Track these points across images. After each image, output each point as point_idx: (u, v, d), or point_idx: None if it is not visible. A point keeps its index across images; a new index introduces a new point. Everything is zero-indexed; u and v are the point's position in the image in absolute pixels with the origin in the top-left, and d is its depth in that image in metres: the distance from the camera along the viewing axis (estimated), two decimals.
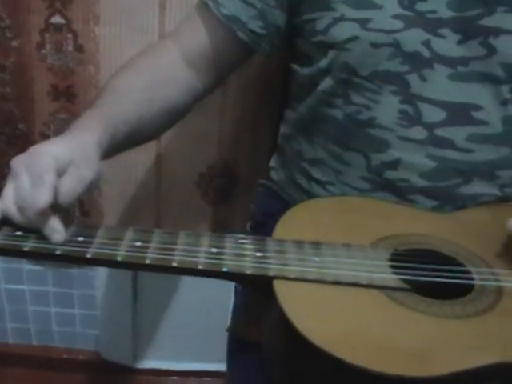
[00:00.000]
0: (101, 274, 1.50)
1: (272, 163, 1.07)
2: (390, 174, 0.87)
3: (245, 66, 1.04)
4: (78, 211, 1.34)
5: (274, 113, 1.13)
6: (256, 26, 0.91)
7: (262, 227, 0.87)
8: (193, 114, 1.00)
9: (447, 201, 0.87)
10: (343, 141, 0.90)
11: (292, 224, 0.80)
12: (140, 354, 1.66)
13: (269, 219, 0.89)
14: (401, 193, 0.87)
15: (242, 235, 0.77)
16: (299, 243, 0.75)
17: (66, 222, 0.72)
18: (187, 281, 1.51)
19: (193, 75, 0.95)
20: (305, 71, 0.93)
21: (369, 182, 0.89)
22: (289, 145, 1.01)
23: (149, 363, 1.67)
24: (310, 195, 0.95)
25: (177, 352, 1.63)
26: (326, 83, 0.89)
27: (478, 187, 0.87)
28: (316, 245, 0.75)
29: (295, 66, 0.96)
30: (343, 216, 0.83)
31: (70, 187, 0.70)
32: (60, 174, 0.70)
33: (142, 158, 1.25)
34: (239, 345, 0.91)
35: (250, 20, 0.90)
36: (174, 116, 0.96)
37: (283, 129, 1.03)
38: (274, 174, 1.05)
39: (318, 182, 0.94)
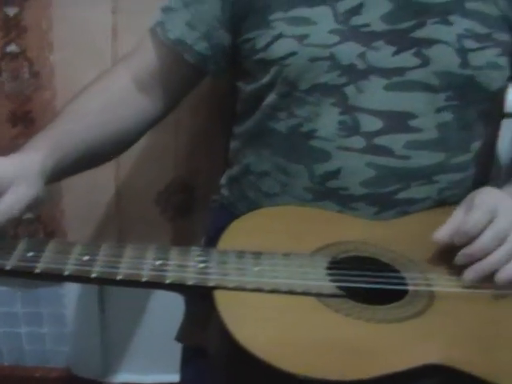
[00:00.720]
0: (70, 291, 1.51)
1: (223, 179, 1.10)
2: (332, 183, 0.90)
3: None
4: (42, 232, 1.35)
5: (228, 128, 1.16)
6: (202, 47, 0.94)
7: (215, 243, 0.90)
8: (148, 132, 1.03)
9: (387, 207, 0.91)
10: (287, 153, 0.93)
11: (236, 235, 0.84)
12: (110, 368, 1.68)
13: (221, 234, 0.91)
14: (343, 201, 0.90)
15: (186, 247, 0.78)
16: (241, 253, 0.78)
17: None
18: (155, 293, 1.53)
19: (145, 98, 0.98)
20: (249, 88, 0.96)
21: (312, 192, 0.92)
22: (238, 159, 1.04)
23: (120, 377, 1.69)
24: (259, 208, 0.97)
25: (147, 364, 1.65)
26: (270, 98, 0.93)
27: (416, 192, 0.91)
28: (257, 255, 0.78)
29: (240, 84, 0.99)
30: (285, 226, 0.86)
31: (7, 206, 0.72)
32: (0, 191, 0.72)
33: (101, 178, 1.27)
34: (192, 352, 0.93)
35: (195, 42, 0.94)
36: (128, 139, 1.00)
37: (232, 144, 1.06)
38: (224, 190, 1.08)
39: (266, 194, 0.97)
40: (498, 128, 1.32)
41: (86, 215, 1.33)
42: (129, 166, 1.29)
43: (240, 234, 0.85)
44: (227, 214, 1.03)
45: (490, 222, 0.77)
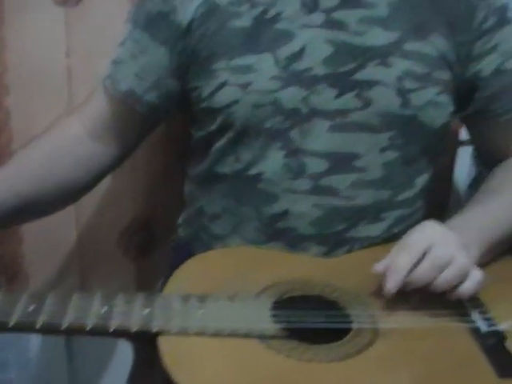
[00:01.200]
0: (35, 336, 1.50)
1: (180, 219, 1.11)
2: (281, 225, 0.92)
3: None
4: (4, 277, 1.35)
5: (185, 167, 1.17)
6: (152, 97, 0.96)
7: None
8: None
9: (336, 246, 0.92)
10: (236, 196, 0.95)
11: (183, 278, 0.85)
12: None
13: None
14: (292, 242, 0.92)
15: (133, 293, 0.79)
16: (186, 297, 0.79)
17: None
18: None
19: (97, 147, 1.00)
20: (199, 134, 0.98)
21: (262, 234, 0.93)
22: (191, 201, 1.05)
23: None
24: (209, 251, 0.98)
25: None
26: (218, 144, 0.95)
27: (364, 231, 0.92)
28: (202, 298, 0.79)
29: (192, 129, 1.00)
30: (232, 268, 0.88)
31: None
32: None
33: (61, 220, 1.27)
34: None
35: (145, 92, 0.96)
36: (78, 187, 1.01)
37: (186, 186, 1.08)
38: (181, 231, 1.09)
39: (218, 236, 0.99)
40: (454, 156, 1.35)
41: (47, 258, 1.33)
42: (88, 207, 1.29)
43: (187, 277, 0.86)
44: (185, 255, 1.04)
45: (426, 253, 0.79)
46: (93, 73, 1.16)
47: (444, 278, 0.77)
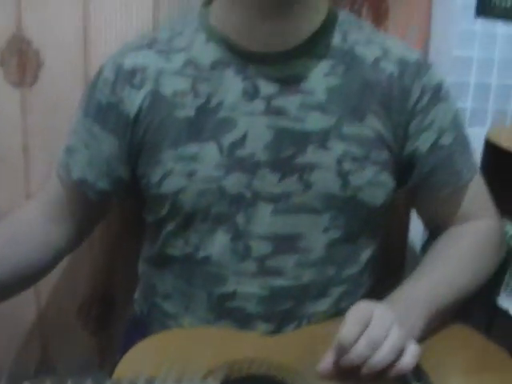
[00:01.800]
0: None
1: (136, 295, 1.13)
2: (230, 305, 0.95)
3: None
4: None
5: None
6: (103, 184, 1.00)
7: None
8: None
9: (284, 323, 0.96)
10: (186, 277, 0.98)
11: (134, 360, 0.87)
12: None
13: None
14: (241, 320, 0.95)
15: (80, 378, 0.81)
16: (134, 380, 0.80)
17: None
18: None
19: (54, 233, 1.03)
20: (150, 218, 1.01)
21: (213, 313, 0.97)
22: (145, 280, 1.08)
23: None
24: (165, 328, 1.01)
25: None
26: (168, 228, 0.98)
27: (311, 307, 0.96)
28: (149, 380, 0.80)
29: (144, 213, 1.03)
30: (182, 349, 0.89)
31: None
32: None
33: (20, 295, 1.28)
34: None
35: (97, 180, 0.99)
36: (34, 274, 1.03)
37: (140, 264, 1.10)
38: (137, 306, 1.11)
39: (170, 315, 1.02)
40: (408, 218, 1.39)
41: (7, 334, 1.34)
42: (48, 281, 1.30)
43: (138, 359, 0.87)
44: (140, 330, 1.07)
45: (363, 332, 0.81)
46: (49, 151, 1.20)
47: (379, 356, 0.80)
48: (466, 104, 1.59)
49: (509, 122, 1.64)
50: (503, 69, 1.61)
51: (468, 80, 1.58)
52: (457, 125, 1.01)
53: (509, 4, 1.56)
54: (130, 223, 1.26)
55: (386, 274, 1.22)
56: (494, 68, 1.60)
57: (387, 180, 0.97)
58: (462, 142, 1.02)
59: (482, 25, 1.56)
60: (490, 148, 1.24)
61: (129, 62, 0.97)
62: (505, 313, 1.10)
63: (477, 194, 1.05)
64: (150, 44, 0.98)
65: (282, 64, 0.93)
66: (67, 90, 1.24)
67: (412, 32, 1.39)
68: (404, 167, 1.00)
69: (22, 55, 1.21)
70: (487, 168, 1.25)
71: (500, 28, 1.58)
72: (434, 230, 1.08)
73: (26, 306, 1.33)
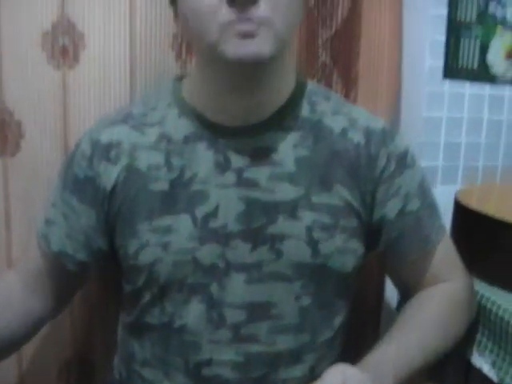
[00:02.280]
0: None
1: (115, 360, 1.15)
2: (206, 372, 0.98)
3: None
4: None
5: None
6: (82, 256, 1.03)
7: None
8: None
9: None
10: (164, 345, 1.00)
11: None
12: None
13: None
14: None
15: None
16: None
17: None
18: None
19: (34, 301, 1.05)
20: (128, 287, 1.04)
21: (191, 380, 0.99)
22: (124, 346, 1.10)
23: None
24: None
25: None
26: (145, 297, 1.01)
27: (286, 373, 0.98)
28: None
29: (122, 282, 1.06)
30: None
31: None
32: None
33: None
34: None
35: (76, 252, 1.03)
36: (14, 342, 1.05)
37: (119, 331, 1.12)
38: (116, 372, 1.13)
39: (149, 381, 1.04)
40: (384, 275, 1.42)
41: None
42: (28, 345, 1.30)
43: None
44: None
45: None
46: (30, 218, 1.23)
47: None
48: (437, 163, 1.64)
49: (480, 179, 1.69)
50: (472, 127, 1.66)
51: (438, 139, 1.63)
52: (424, 190, 1.05)
53: (475, 66, 1.62)
54: (109, 289, 1.28)
55: (362, 334, 1.25)
56: (463, 127, 1.65)
57: (356, 246, 1.00)
58: (429, 206, 1.05)
59: (450, 86, 1.61)
60: (460, 208, 1.28)
61: (105, 138, 1.00)
62: (479, 371, 1.12)
63: (445, 255, 1.08)
64: (125, 119, 1.02)
65: (252, 137, 0.97)
66: (47, 159, 1.28)
67: (382, 96, 1.44)
68: (373, 233, 1.03)
69: (4, 126, 1.25)
70: (457, 227, 1.28)
71: (468, 88, 1.63)
72: (405, 292, 1.10)
73: (6, 370, 1.33)
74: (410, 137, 1.51)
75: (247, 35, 0.84)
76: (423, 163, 1.52)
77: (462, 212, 1.28)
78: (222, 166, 0.96)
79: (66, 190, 1.02)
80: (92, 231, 1.01)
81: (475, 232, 1.25)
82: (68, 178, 1.02)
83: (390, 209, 1.01)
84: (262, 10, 0.85)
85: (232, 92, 0.95)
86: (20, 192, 1.30)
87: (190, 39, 1.04)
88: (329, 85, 1.39)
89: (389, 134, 1.02)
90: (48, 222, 1.03)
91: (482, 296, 1.14)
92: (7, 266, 1.28)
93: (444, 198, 1.35)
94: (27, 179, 1.29)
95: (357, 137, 1.00)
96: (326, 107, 1.03)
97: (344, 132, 1.00)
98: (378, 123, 1.03)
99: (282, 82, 1.00)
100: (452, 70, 1.61)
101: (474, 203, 1.29)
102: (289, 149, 0.98)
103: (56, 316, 1.10)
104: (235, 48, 0.85)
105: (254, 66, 0.88)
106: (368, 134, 1.00)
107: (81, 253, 1.02)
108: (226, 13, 0.85)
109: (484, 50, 1.64)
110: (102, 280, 1.30)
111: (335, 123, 1.01)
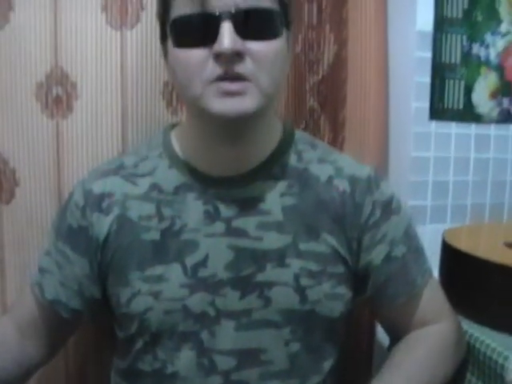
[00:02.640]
0: None
1: None
2: None
3: None
4: None
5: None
6: (76, 304, 1.05)
7: None
8: None
9: None
10: None
11: None
12: None
13: None
14: None
15: None
16: None
17: None
18: None
19: (28, 347, 1.08)
20: (121, 334, 1.06)
21: None
22: None
23: None
24: None
25: None
26: (138, 344, 1.03)
27: None
28: None
29: (115, 329, 1.08)
30: None
31: None
32: None
33: None
34: None
35: (69, 300, 1.05)
36: (13, 382, 1.05)
37: (112, 376, 1.14)
38: None
39: None
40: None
41: None
42: None
43: None
44: None
45: None
46: (24, 264, 1.25)
47: None
48: (425, 202, 1.67)
49: (468, 217, 1.71)
50: (459, 166, 1.69)
51: (426, 179, 1.66)
52: (409, 235, 1.07)
53: (461, 106, 1.66)
54: (103, 335, 1.30)
55: (354, 376, 1.27)
56: (451, 166, 1.68)
57: (344, 292, 1.02)
58: (414, 251, 1.07)
59: (437, 127, 1.65)
60: (447, 248, 1.30)
61: (97, 188, 1.03)
62: None
63: (432, 298, 1.10)
64: (117, 170, 1.05)
65: (241, 187, 1.00)
66: (41, 206, 1.30)
67: (369, 138, 1.47)
68: (360, 278, 1.05)
69: None
70: (445, 267, 1.31)
71: (454, 128, 1.67)
72: (395, 335, 1.12)
73: None
74: (399, 176, 1.54)
75: (232, 94, 0.87)
76: (412, 202, 1.57)
77: (449, 252, 1.30)
78: (212, 216, 0.99)
79: (59, 239, 1.04)
80: (85, 280, 1.03)
81: (463, 272, 1.27)
82: (62, 227, 1.04)
83: (376, 255, 1.04)
84: (247, 66, 0.88)
85: (220, 144, 0.97)
86: (14, 238, 1.32)
87: (177, 90, 1.07)
88: (317, 129, 1.42)
89: (374, 182, 1.05)
90: (42, 271, 1.05)
91: (471, 335, 1.15)
92: (2, 311, 1.30)
93: (433, 237, 1.38)
94: (21, 226, 1.32)
95: (342, 185, 1.02)
96: (313, 155, 1.05)
97: (330, 180, 1.03)
98: (364, 171, 1.05)
99: (269, 133, 1.03)
100: (438, 111, 1.65)
101: (461, 243, 1.31)
102: (276, 198, 1.00)
103: (50, 361, 1.12)
104: (219, 104, 0.88)
105: (239, 121, 0.90)
106: (353, 182, 1.03)
107: (74, 301, 1.04)
108: (212, 68, 0.88)
109: (469, 90, 1.68)
110: (96, 326, 1.31)
111: (321, 171, 1.03)
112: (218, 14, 0.86)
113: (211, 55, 0.87)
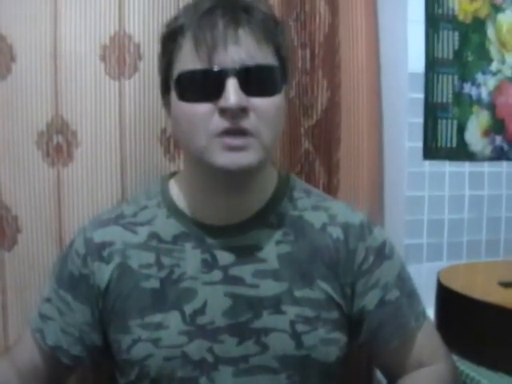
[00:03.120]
0: None
1: None
2: None
3: None
4: None
5: None
6: (77, 350, 1.07)
7: None
8: None
9: None
10: None
11: None
12: None
13: None
14: None
15: None
16: None
17: None
18: None
19: None
20: (121, 380, 1.08)
21: None
22: None
23: None
24: None
25: None
26: None
27: None
28: None
29: (116, 375, 1.10)
30: None
31: None
32: None
33: None
34: None
35: (70, 346, 1.07)
36: None
37: None
38: None
39: None
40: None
41: None
42: None
43: None
44: None
45: None
46: (26, 308, 1.27)
47: None
48: (421, 240, 1.70)
49: (465, 254, 1.74)
50: (454, 204, 1.72)
51: (422, 217, 1.69)
52: (402, 279, 1.10)
53: (454, 144, 1.69)
54: (105, 380, 1.32)
55: None
56: (446, 204, 1.71)
57: (339, 337, 1.04)
58: (408, 294, 1.10)
59: (431, 166, 1.68)
60: (441, 289, 1.32)
61: (98, 237, 1.06)
62: None
63: (427, 340, 1.12)
64: (117, 219, 1.08)
65: (238, 235, 1.03)
66: (43, 252, 1.33)
67: (364, 180, 1.50)
68: (354, 323, 1.07)
69: (2, 221, 1.31)
70: (440, 306, 1.33)
71: (448, 167, 1.70)
72: (391, 378, 1.14)
73: None
74: (394, 216, 1.57)
75: (236, 149, 0.90)
76: (408, 241, 1.60)
77: (443, 292, 1.32)
78: (209, 265, 1.02)
79: (61, 286, 1.07)
80: (86, 327, 1.05)
81: (457, 311, 1.29)
82: (63, 275, 1.07)
83: (370, 300, 1.06)
84: (251, 121, 0.92)
85: (218, 194, 1.01)
86: (17, 283, 1.35)
87: (179, 141, 1.10)
88: (312, 172, 1.46)
89: (367, 228, 1.07)
90: (43, 317, 1.08)
91: (467, 375, 1.17)
92: (5, 353, 1.31)
93: (430, 275, 1.41)
94: (24, 271, 1.34)
95: (336, 232, 1.05)
96: (307, 203, 1.08)
97: (324, 227, 1.05)
98: (356, 218, 1.08)
99: (266, 182, 1.06)
100: (431, 150, 1.68)
101: (455, 282, 1.34)
102: (272, 246, 1.03)
103: None
104: (223, 158, 0.92)
105: (240, 173, 0.94)
106: (346, 229, 1.06)
107: (75, 347, 1.06)
108: (217, 122, 0.92)
109: (461, 129, 1.72)
110: (97, 371, 1.32)
111: (316, 219, 1.06)
112: (223, 70, 0.90)
113: (216, 109, 0.90)
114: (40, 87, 1.31)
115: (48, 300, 1.08)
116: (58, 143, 1.31)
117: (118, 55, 1.32)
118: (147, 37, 1.34)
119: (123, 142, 1.32)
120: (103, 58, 1.32)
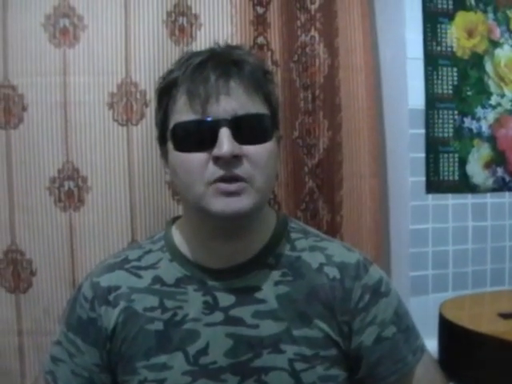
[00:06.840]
0: None
1: None
2: None
3: None
4: None
5: None
6: None
7: None
8: None
9: None
10: None
11: None
12: None
13: None
14: None
15: None
16: None
17: None
18: None
19: None
20: None
21: None
22: None
23: None
24: None
25: None
26: None
27: None
28: None
29: None
30: None
31: None
32: None
33: None
34: None
35: None
36: None
37: None
38: None
39: None
40: None
41: None
42: None
43: None
44: None
45: None
46: (41, 351, 1.32)
47: None
48: (426, 272, 1.72)
49: (470, 284, 1.76)
50: (458, 235, 1.75)
51: (426, 250, 1.72)
52: (399, 315, 1.12)
53: (456, 178, 1.73)
54: None
55: None
56: (450, 236, 1.74)
57: (337, 373, 1.07)
58: (405, 330, 1.12)
59: (434, 199, 1.71)
60: (443, 321, 1.35)
61: (104, 282, 1.11)
62: None
63: (425, 374, 1.14)
64: (122, 263, 1.13)
65: (237, 277, 1.07)
66: (57, 294, 1.38)
67: (367, 217, 1.54)
68: (353, 359, 1.10)
69: (16, 264, 1.36)
70: (443, 339, 1.35)
71: (451, 200, 1.73)
72: None
73: None
74: (399, 249, 1.61)
75: (231, 194, 0.95)
76: (413, 273, 1.62)
77: (444, 324, 1.35)
78: (211, 307, 1.06)
79: (70, 330, 1.11)
80: (95, 368, 1.09)
81: (457, 343, 1.32)
82: (72, 319, 1.12)
83: (367, 337, 1.09)
84: (244, 168, 0.97)
85: (217, 239, 1.05)
86: (32, 325, 1.40)
87: (177, 189, 1.15)
88: (316, 210, 1.49)
89: (363, 267, 1.11)
90: (54, 359, 1.12)
91: None
92: None
93: (435, 306, 1.43)
94: (39, 313, 1.40)
95: (332, 272, 1.09)
96: (305, 243, 1.12)
97: (321, 267, 1.09)
98: (352, 257, 1.12)
99: (264, 224, 1.10)
100: (434, 184, 1.72)
101: (456, 315, 1.36)
102: (271, 286, 1.07)
103: None
104: (219, 203, 0.97)
105: (236, 218, 0.98)
106: (343, 268, 1.09)
107: None
108: (212, 170, 0.96)
109: (463, 162, 1.75)
110: None
111: (313, 259, 1.10)
112: (216, 120, 0.95)
113: (211, 158, 0.95)
114: (51, 135, 1.37)
115: (58, 343, 1.13)
116: (69, 189, 1.37)
117: (125, 102, 1.37)
118: (153, 84, 1.38)
119: (132, 186, 1.38)
120: (111, 106, 1.37)
